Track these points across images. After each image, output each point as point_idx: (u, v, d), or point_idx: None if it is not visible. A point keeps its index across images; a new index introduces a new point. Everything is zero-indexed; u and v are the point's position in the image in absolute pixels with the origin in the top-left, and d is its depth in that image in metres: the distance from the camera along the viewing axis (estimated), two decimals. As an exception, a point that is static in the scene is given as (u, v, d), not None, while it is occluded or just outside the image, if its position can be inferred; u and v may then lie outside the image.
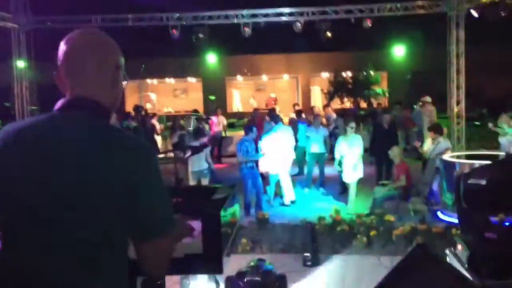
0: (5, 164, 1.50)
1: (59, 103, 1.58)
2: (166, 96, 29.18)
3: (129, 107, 22.52)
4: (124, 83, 1.73)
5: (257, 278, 3.90)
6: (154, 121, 14.74)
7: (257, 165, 8.93)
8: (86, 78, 1.58)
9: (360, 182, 9.09)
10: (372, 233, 7.06)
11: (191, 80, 28.56)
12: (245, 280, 3.94)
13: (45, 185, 1.46)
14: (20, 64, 14.45)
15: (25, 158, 1.48)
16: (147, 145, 1.58)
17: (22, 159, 1.48)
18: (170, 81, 28.84)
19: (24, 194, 1.47)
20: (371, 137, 10.84)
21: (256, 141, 9.20)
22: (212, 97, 25.08)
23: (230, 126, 19.74)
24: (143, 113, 14.80)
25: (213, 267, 2.24)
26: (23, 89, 14.56)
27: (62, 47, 1.60)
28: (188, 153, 7.94)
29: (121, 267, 1.57)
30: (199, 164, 9.05)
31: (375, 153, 10.26)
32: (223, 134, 15.82)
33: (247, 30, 13.90)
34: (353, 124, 9.25)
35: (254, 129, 9.09)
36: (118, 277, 1.56)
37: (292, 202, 9.60)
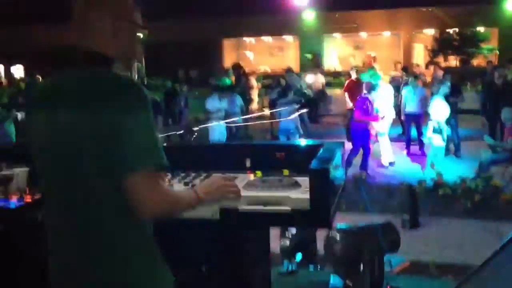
0: (33, 119, 1.70)
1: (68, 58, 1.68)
2: (263, 55, 29.29)
3: (227, 65, 22.91)
4: (140, 35, 1.76)
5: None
6: (252, 79, 14.89)
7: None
8: (88, 28, 1.65)
9: (468, 143, 8.71)
10: (477, 197, 6.75)
11: (288, 38, 28.35)
12: (344, 234, 3.96)
13: (53, 135, 1.62)
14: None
15: (45, 115, 1.65)
16: (137, 84, 1.63)
17: (44, 116, 1.65)
18: (267, 39, 28.83)
19: (45, 144, 1.66)
20: (482, 97, 10.19)
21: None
22: (309, 55, 24.79)
23: (327, 84, 19.45)
24: (241, 71, 14.98)
25: (321, 221, 2.27)
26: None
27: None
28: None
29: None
30: (286, 123, 9.06)
31: (487, 114, 9.66)
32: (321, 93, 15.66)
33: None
34: (447, 86, 8.81)
35: (378, 87, 8.76)
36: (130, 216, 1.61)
37: (391, 163, 9.38)
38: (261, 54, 29.26)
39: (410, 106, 10.04)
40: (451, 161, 9.34)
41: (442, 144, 8.74)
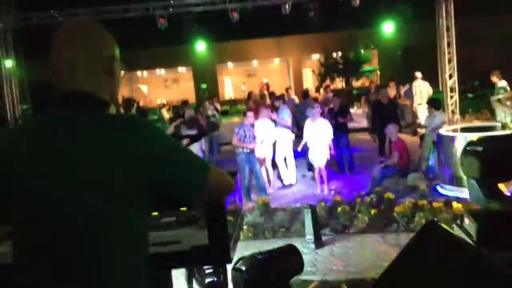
0: (18, 165, 1.48)
1: (56, 99, 1.55)
2: (157, 87, 29.04)
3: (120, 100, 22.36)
4: (122, 73, 1.70)
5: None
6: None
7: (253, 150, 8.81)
8: (80, 71, 1.55)
9: (360, 160, 9.06)
10: (373, 211, 7.06)
11: (182, 69, 28.40)
12: (250, 265, 3.92)
13: (60, 182, 1.44)
14: (8, 63, 14.28)
15: (38, 161, 1.46)
16: (142, 119, 1.63)
17: (34, 162, 1.47)
18: (161, 71, 28.66)
19: (40, 195, 1.45)
20: (371, 115, 10.79)
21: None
22: (204, 85, 24.96)
23: (224, 113, 19.64)
24: (135, 106, 14.66)
25: (221, 257, 2.21)
26: (13, 88, 14.41)
27: (53, 40, 1.57)
28: (185, 143, 7.87)
29: (140, 250, 1.55)
30: None
31: (377, 130, 10.22)
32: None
33: (235, 15, 13.76)
34: (317, 109, 9.10)
35: (249, 113, 8.94)
36: (135, 264, 1.52)
37: (291, 185, 9.58)
38: (155, 87, 28.98)
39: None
40: (346, 178, 9.74)
41: (323, 163, 8.93)
